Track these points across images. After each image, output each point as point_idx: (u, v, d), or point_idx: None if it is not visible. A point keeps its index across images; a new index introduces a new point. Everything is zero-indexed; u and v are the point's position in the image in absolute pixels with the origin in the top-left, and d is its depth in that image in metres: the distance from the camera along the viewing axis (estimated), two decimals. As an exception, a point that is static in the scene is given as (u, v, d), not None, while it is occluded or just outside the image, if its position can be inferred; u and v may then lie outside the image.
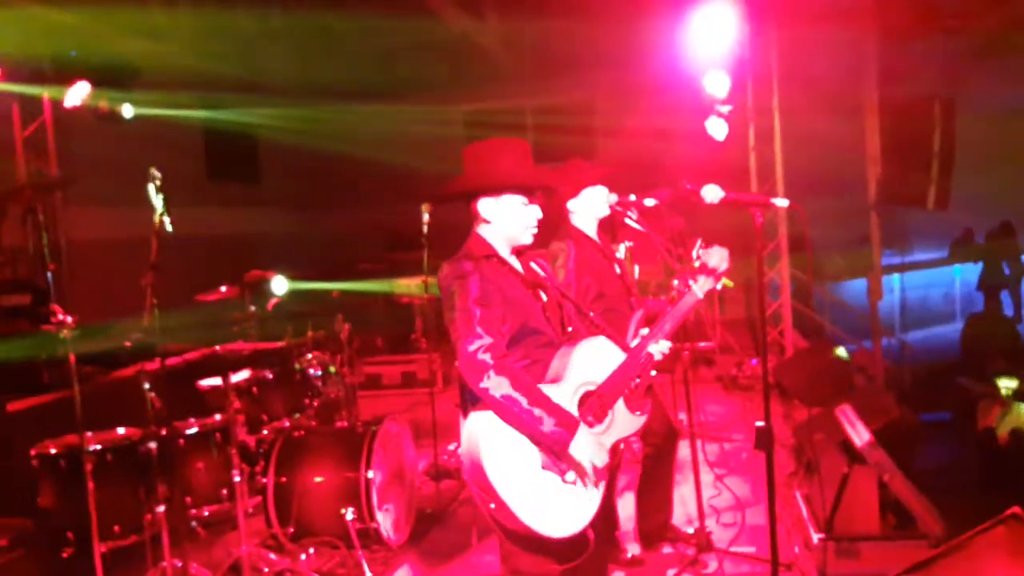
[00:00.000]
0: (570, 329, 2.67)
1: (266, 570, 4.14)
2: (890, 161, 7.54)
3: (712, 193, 2.75)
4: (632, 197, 3.92)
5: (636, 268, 7.52)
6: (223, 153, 10.07)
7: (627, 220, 3.94)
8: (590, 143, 11.02)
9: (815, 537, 3.93)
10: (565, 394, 2.40)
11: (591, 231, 3.97)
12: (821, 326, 8.94)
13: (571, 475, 2.34)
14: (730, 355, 8.48)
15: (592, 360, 2.51)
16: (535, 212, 2.55)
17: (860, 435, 3.99)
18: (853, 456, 4.04)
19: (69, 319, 3.40)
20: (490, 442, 2.26)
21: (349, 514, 4.21)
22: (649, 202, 3.91)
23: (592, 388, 2.48)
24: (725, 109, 7.48)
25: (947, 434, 7.40)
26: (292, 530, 4.31)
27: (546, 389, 2.36)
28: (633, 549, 4.16)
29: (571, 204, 3.92)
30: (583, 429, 2.34)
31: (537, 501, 2.27)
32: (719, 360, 8.48)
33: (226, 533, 4.56)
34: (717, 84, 7.41)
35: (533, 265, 2.65)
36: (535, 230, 2.57)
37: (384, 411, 4.93)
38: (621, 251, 6.93)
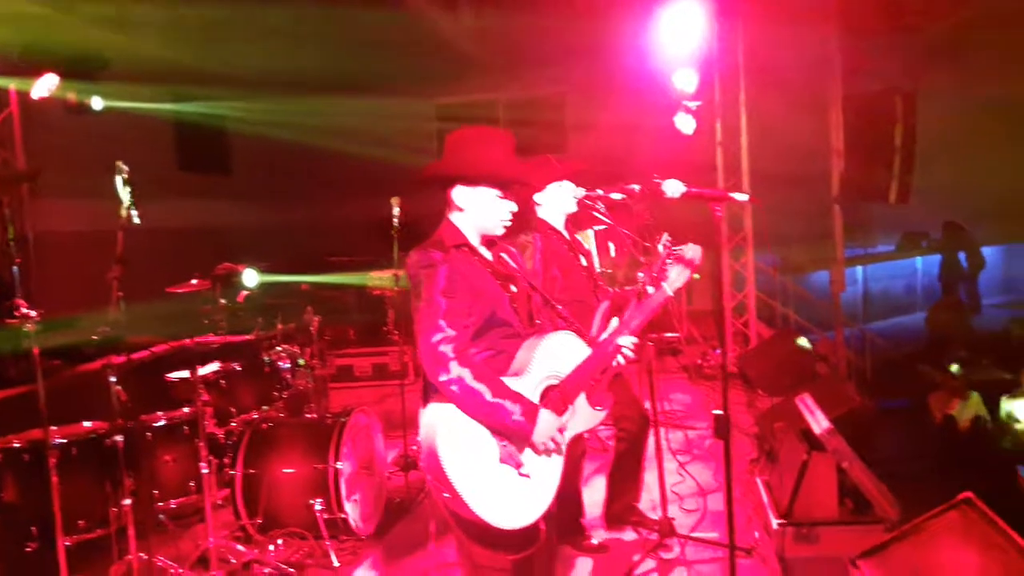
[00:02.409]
0: (538, 322, 2.68)
1: (234, 561, 4.17)
2: (853, 156, 7.68)
3: (673, 188, 2.80)
4: (599, 191, 4.00)
5: (611, 246, 7.57)
6: (194, 145, 9.98)
7: (596, 215, 4.01)
8: (561, 137, 11.09)
9: (775, 522, 4.03)
10: (528, 387, 2.42)
11: (558, 224, 4.03)
12: (786, 317, 9.09)
13: (527, 468, 2.36)
14: (696, 345, 8.61)
15: (557, 354, 2.52)
16: (509, 205, 2.54)
17: (819, 423, 4.09)
18: (812, 443, 4.14)
19: (34, 313, 3.38)
20: (448, 433, 2.27)
21: (318, 505, 4.25)
22: (616, 196, 3.98)
23: (555, 382, 2.50)
24: (693, 105, 7.58)
25: (906, 421, 7.57)
26: (260, 521, 4.34)
27: (509, 382, 2.37)
28: (599, 536, 4.26)
29: (538, 198, 3.98)
30: (544, 413, 2.36)
31: (492, 493, 2.28)
32: (686, 350, 8.60)
33: (194, 526, 4.58)
34: (685, 81, 7.51)
35: (504, 256, 2.65)
36: (508, 223, 2.56)
37: (356, 403, 4.97)
38: (589, 236, 7.02)
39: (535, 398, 2.42)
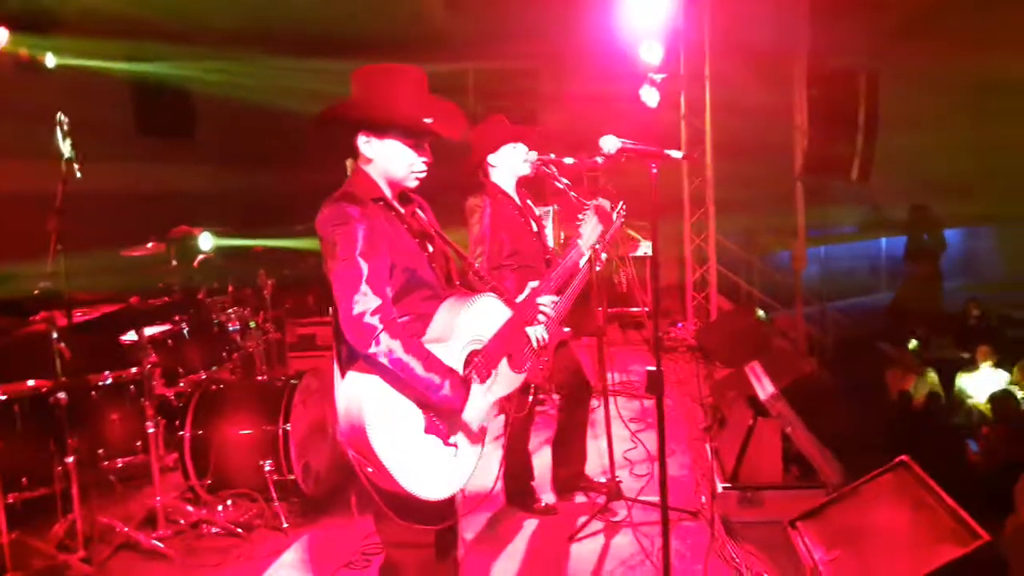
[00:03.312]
0: (457, 283, 2.57)
1: (182, 521, 4.16)
2: (816, 132, 7.72)
3: (610, 143, 2.79)
4: (552, 156, 3.98)
5: (562, 235, 7.63)
6: (154, 107, 9.75)
7: (556, 183, 3.99)
8: (531, 108, 11.03)
9: (720, 487, 4.09)
10: (452, 353, 2.31)
11: (509, 188, 4.02)
12: (749, 293, 9.18)
13: (453, 438, 2.28)
14: (659, 320, 8.66)
15: (479, 318, 2.41)
16: (422, 155, 2.32)
17: (765, 388, 4.15)
18: (759, 409, 4.21)
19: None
20: (373, 405, 2.13)
21: (267, 466, 4.24)
22: (568, 160, 3.98)
23: (479, 347, 2.39)
24: (658, 77, 7.57)
25: (863, 396, 7.71)
26: (210, 482, 4.32)
27: (434, 349, 2.24)
28: (547, 498, 4.30)
29: (491, 159, 3.96)
30: (475, 390, 2.30)
31: (417, 465, 2.18)
32: (649, 324, 8.66)
33: (144, 487, 4.55)
34: (651, 53, 7.50)
35: (418, 212, 2.46)
36: (423, 175, 2.35)
37: (317, 370, 4.92)
38: (549, 214, 7.01)
39: (459, 364, 2.32)
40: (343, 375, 2.21)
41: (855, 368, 8.76)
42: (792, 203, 8.21)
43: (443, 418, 2.24)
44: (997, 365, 7.57)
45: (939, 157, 10.16)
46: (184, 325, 4.46)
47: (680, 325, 8.71)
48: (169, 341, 4.37)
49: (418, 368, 2.12)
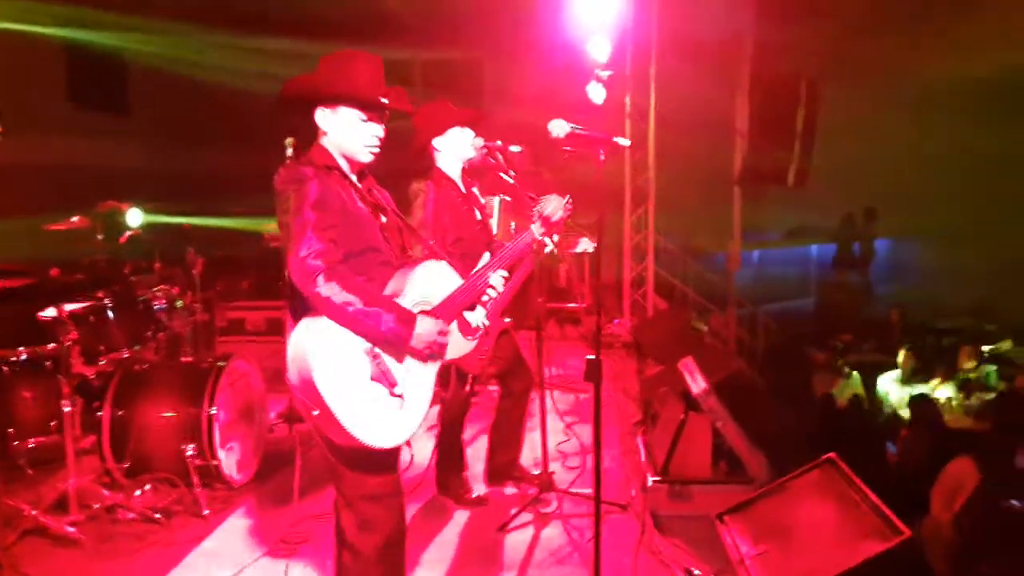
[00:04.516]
0: (410, 253, 2.67)
1: (96, 506, 3.97)
2: (755, 138, 7.88)
3: (558, 127, 2.78)
4: (499, 142, 3.93)
5: (512, 224, 7.60)
6: (88, 77, 9.36)
7: (500, 173, 3.95)
8: (478, 101, 10.97)
9: (650, 480, 4.11)
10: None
11: (455, 174, 3.95)
12: (684, 294, 9.31)
13: (399, 387, 2.35)
14: (595, 316, 8.71)
15: (430, 281, 2.53)
16: (375, 130, 2.45)
17: (697, 384, 4.18)
18: (690, 404, 4.25)
19: None
20: (318, 348, 2.22)
21: (189, 450, 4.09)
22: (515, 148, 3.94)
23: (427, 308, 2.50)
24: (604, 75, 7.60)
25: (790, 398, 7.90)
26: (128, 466, 4.14)
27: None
28: (479, 489, 4.26)
29: (436, 143, 3.89)
30: (423, 317, 2.36)
31: (362, 410, 2.26)
32: (586, 320, 8.70)
33: (57, 470, 4.34)
34: (598, 49, 7.52)
35: (373, 191, 2.60)
36: (375, 149, 2.48)
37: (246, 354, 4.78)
38: (494, 204, 6.96)
39: None
40: (295, 324, 2.31)
41: (783, 370, 8.98)
42: (730, 206, 8.36)
43: (393, 356, 2.33)
44: (917, 370, 7.85)
45: (876, 166, 10.47)
46: (107, 301, 4.25)
47: (617, 321, 8.78)
48: (91, 317, 4.16)
49: (358, 303, 2.21)
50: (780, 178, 7.79)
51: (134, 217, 5.41)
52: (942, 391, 7.47)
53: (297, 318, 2.32)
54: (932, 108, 10.42)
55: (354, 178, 2.51)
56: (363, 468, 2.40)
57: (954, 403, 7.39)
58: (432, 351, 2.41)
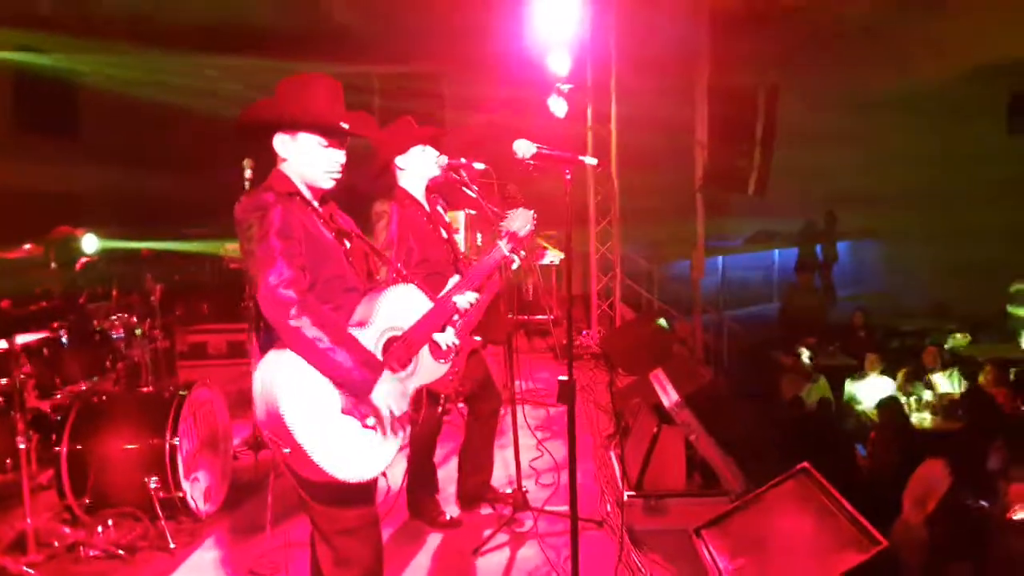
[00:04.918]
0: (378, 278, 2.62)
1: (56, 544, 3.84)
2: (715, 146, 7.94)
3: (524, 148, 2.75)
4: (463, 160, 3.89)
5: (479, 236, 7.57)
6: (36, 101, 9.14)
7: (465, 189, 3.90)
8: (439, 114, 10.94)
9: (625, 495, 4.08)
10: (370, 338, 2.35)
11: (418, 193, 3.90)
12: (650, 301, 9.35)
13: (371, 420, 2.28)
14: (564, 327, 8.70)
15: (399, 306, 2.47)
16: (335, 156, 2.39)
17: (670, 396, 4.17)
18: (663, 417, 4.23)
19: None
20: (287, 382, 2.15)
21: (152, 483, 3.96)
22: (478, 165, 3.90)
23: (398, 334, 2.44)
24: (566, 88, 7.62)
25: (758, 403, 7.95)
26: (88, 501, 4.01)
27: (353, 332, 2.30)
28: (452, 511, 4.19)
29: (399, 161, 3.84)
30: (387, 374, 2.29)
31: (335, 445, 2.20)
32: (554, 332, 8.68)
33: (13, 508, 4.18)
34: (559, 63, 7.53)
35: (334, 216, 2.54)
36: (336, 175, 2.42)
37: (209, 381, 4.67)
38: (460, 219, 6.92)
39: (377, 349, 2.36)
40: (262, 356, 2.25)
41: (750, 375, 9.05)
42: (693, 214, 8.41)
43: (358, 398, 2.24)
44: (883, 372, 7.95)
45: (834, 171, 10.65)
46: (62, 332, 4.12)
47: (585, 333, 8.78)
48: (45, 350, 4.04)
49: (327, 341, 2.14)
50: (741, 186, 7.86)
51: (89, 243, 5.28)
52: (909, 392, 7.57)
53: (264, 349, 2.26)
54: (882, 113, 10.66)
55: (316, 204, 2.44)
56: (338, 503, 2.33)
57: (922, 404, 7.50)
58: (387, 414, 2.30)
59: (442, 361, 2.58)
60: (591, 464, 4.94)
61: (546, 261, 8.52)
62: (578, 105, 8.06)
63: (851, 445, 6.57)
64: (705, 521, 3.52)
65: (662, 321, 6.20)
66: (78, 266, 5.14)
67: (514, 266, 3.90)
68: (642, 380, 5.05)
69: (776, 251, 13.74)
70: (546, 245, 8.42)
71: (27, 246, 4.75)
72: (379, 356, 2.35)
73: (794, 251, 13.20)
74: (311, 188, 2.43)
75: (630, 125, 8.42)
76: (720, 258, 12.02)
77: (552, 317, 9.04)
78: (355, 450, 2.25)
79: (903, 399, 7.36)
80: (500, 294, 3.99)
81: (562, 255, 4.90)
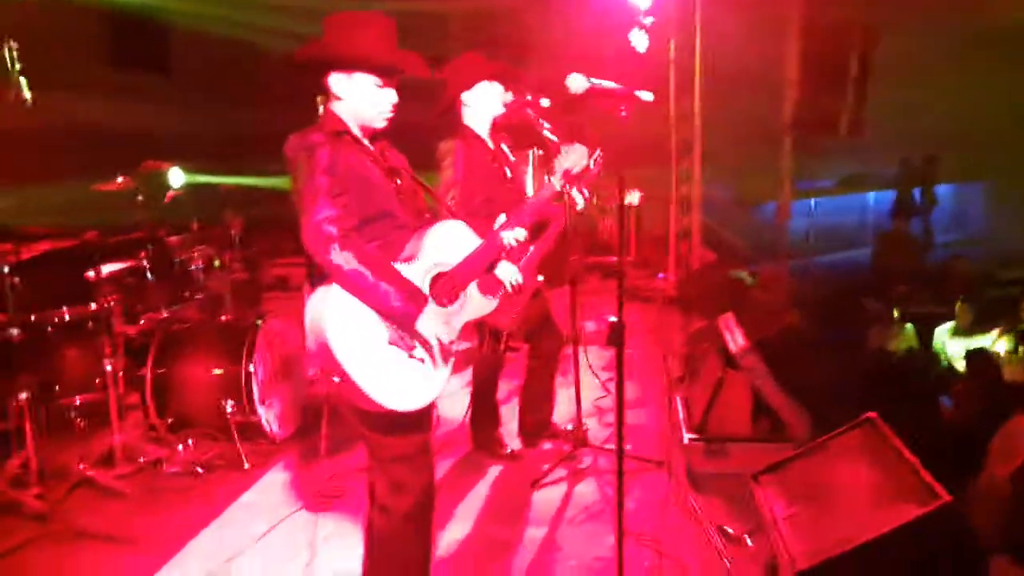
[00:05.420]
0: (427, 216, 2.62)
1: (141, 460, 4.10)
2: (807, 85, 7.56)
3: (576, 82, 2.68)
4: (528, 97, 3.82)
5: (546, 179, 7.46)
6: (129, 38, 9.43)
7: (539, 126, 3.83)
8: (517, 53, 10.75)
9: (686, 437, 4.06)
10: (416, 273, 2.38)
11: (483, 131, 3.87)
12: (733, 245, 9.10)
13: (418, 351, 2.33)
14: (641, 269, 8.61)
15: (446, 242, 2.49)
16: (389, 96, 2.42)
17: (736, 341, 4.09)
18: (729, 362, 4.16)
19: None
20: (335, 315, 2.21)
21: (229, 407, 4.17)
22: (544, 102, 3.83)
23: (445, 269, 2.47)
24: (647, 21, 7.34)
25: (843, 351, 7.70)
26: (171, 421, 4.26)
27: (399, 268, 2.34)
28: (514, 445, 4.26)
29: (465, 98, 3.81)
30: (431, 306, 2.33)
31: (383, 375, 2.25)
32: (629, 273, 8.59)
33: (105, 426, 4.47)
34: (641, -6, 7.25)
35: (387, 155, 2.56)
36: (389, 114, 2.45)
37: (293, 312, 4.84)
38: (529, 159, 6.85)
39: (424, 284, 2.39)
40: (312, 290, 2.31)
41: (837, 323, 8.75)
42: (780, 155, 8.08)
43: (403, 329, 2.29)
44: (976, 322, 7.55)
45: (933, 111, 10.00)
46: (145, 262, 4.35)
47: (662, 276, 8.64)
48: (129, 278, 4.27)
49: (369, 276, 2.19)
50: (833, 127, 7.48)
51: (176, 177, 5.46)
52: (1002, 344, 7.18)
53: (314, 285, 2.31)
54: (989, 50, 9.87)
55: (366, 142, 2.47)
56: (390, 431, 2.39)
57: (1015, 356, 7.10)
58: (437, 337, 2.37)
59: (490, 297, 2.60)
60: (656, 406, 4.91)
61: (624, 202, 8.35)
62: (660, 40, 7.75)
63: (935, 396, 6.31)
64: (764, 467, 3.46)
65: (743, 274, 6.03)
66: (166, 199, 5.33)
67: (579, 206, 3.86)
68: (712, 324, 4.95)
69: (872, 194, 13.09)
70: (624, 185, 8.26)
71: (120, 179, 4.94)
72: (425, 290, 2.38)
73: (891, 194, 12.53)
74: (363, 128, 2.45)
75: (715, 60, 8.07)
76: (811, 200, 11.56)
77: (628, 259, 8.96)
78: (403, 380, 2.30)
79: (996, 350, 6.98)
80: (565, 234, 3.95)
81: (640, 194, 4.78)
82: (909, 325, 7.98)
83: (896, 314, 8.20)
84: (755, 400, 4.14)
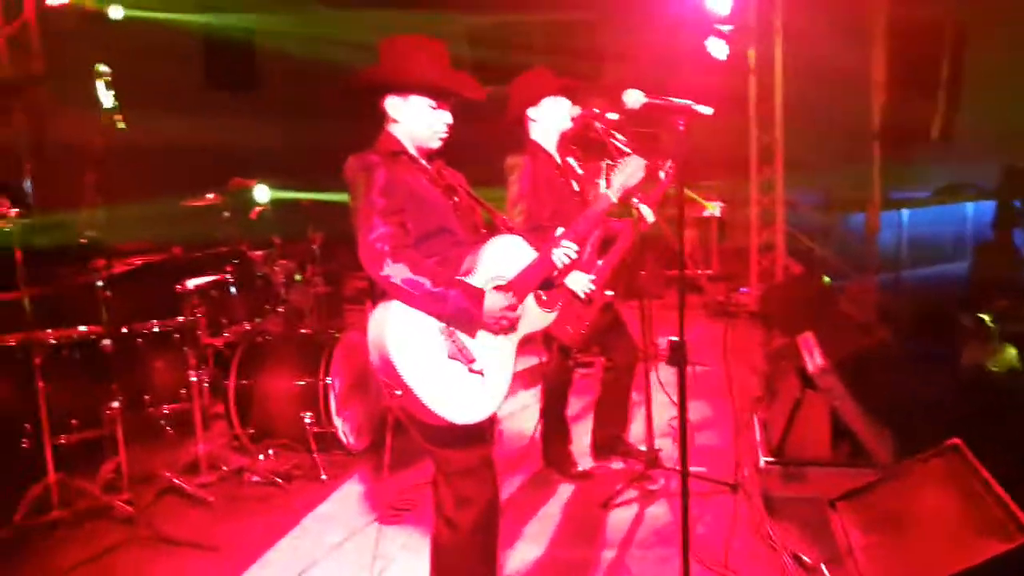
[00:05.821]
0: (484, 232, 2.66)
1: (224, 468, 4.26)
2: (895, 89, 7.26)
3: (633, 98, 2.67)
4: (596, 110, 3.80)
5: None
6: (221, 60, 9.84)
7: (611, 140, 3.81)
8: (595, 65, 10.71)
9: (763, 460, 3.94)
10: (474, 284, 2.43)
11: (550, 146, 3.88)
12: (822, 258, 8.79)
13: (477, 364, 2.37)
14: (722, 283, 8.42)
15: (503, 255, 2.54)
16: (444, 116, 2.50)
17: (815, 361, 3.95)
18: (807, 382, 4.02)
19: (14, 212, 3.39)
20: (394, 330, 2.26)
21: (307, 418, 4.29)
22: (612, 116, 3.80)
23: (502, 283, 2.50)
24: (726, 29, 7.21)
25: (935, 371, 7.35)
26: (252, 431, 4.41)
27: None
28: (585, 464, 4.23)
29: (532, 113, 3.83)
30: (492, 291, 2.39)
31: (443, 389, 2.30)
32: (709, 287, 8.42)
33: (192, 434, 4.66)
34: (719, 2, 7.14)
35: (444, 173, 2.63)
36: (444, 134, 2.52)
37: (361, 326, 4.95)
38: (602, 171, 6.77)
39: None
40: (374, 307, 2.39)
41: (930, 340, 8.34)
42: (869, 163, 7.78)
43: (466, 334, 2.36)
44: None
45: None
46: (229, 276, 4.54)
47: (743, 290, 8.43)
48: (214, 292, 4.46)
49: (427, 284, 2.25)
50: (923, 131, 7.17)
51: (261, 193, 5.65)
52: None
53: (375, 302, 2.38)
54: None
55: (423, 161, 2.53)
56: (451, 444, 2.44)
57: None
58: (504, 324, 2.43)
59: (548, 310, 2.62)
60: (732, 427, 4.78)
61: (705, 214, 8.19)
62: (736, 48, 7.57)
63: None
64: (842, 493, 3.33)
65: (826, 278, 5.83)
66: (252, 215, 5.52)
67: (650, 219, 3.81)
68: (792, 342, 4.80)
69: (970, 204, 12.45)
70: (697, 198, 8.11)
71: (210, 195, 5.14)
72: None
73: (991, 205, 11.90)
74: (419, 148, 2.53)
75: (797, 66, 7.82)
76: (905, 211, 11.08)
77: (708, 272, 8.78)
78: (462, 394, 2.34)
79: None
80: (635, 248, 3.91)
81: (721, 205, 4.70)
82: (1010, 345, 7.55)
83: (994, 330, 7.78)
84: (834, 422, 3.99)
